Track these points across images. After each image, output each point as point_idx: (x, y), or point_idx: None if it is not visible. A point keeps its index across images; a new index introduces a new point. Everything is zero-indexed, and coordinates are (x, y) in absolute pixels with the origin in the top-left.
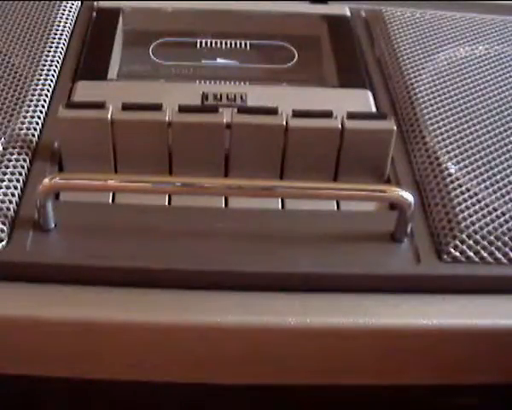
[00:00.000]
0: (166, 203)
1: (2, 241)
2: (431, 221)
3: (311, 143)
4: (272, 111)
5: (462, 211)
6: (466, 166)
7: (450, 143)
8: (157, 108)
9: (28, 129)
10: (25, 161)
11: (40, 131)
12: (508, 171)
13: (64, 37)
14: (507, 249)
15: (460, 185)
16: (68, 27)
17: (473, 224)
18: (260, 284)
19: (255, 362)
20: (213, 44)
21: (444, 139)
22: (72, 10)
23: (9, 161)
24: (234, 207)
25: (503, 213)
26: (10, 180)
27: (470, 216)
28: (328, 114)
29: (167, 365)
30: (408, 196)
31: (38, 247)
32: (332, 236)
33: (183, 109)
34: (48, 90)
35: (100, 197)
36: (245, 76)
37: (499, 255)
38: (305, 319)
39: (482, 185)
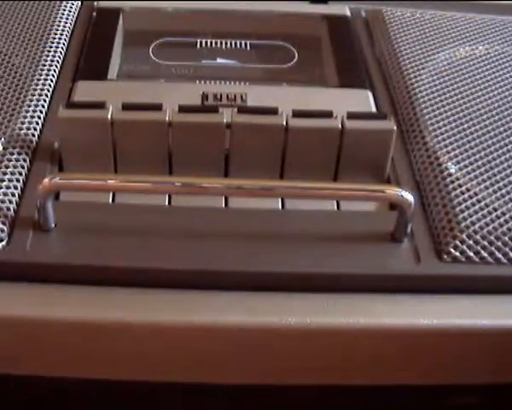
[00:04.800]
0: (166, 203)
1: (2, 241)
2: (431, 221)
3: (311, 143)
4: (272, 111)
5: (462, 211)
6: (466, 166)
7: (450, 143)
8: (157, 108)
9: (28, 129)
10: (25, 160)
11: (40, 131)
12: (508, 171)
13: (64, 37)
14: (507, 249)
15: (460, 185)
16: (68, 27)
17: (473, 224)
18: (260, 284)
19: (255, 362)
20: (213, 44)
21: (444, 139)
22: (72, 10)
23: (9, 160)
24: (234, 207)
25: (503, 213)
26: (10, 180)
27: (470, 216)
28: (328, 114)
29: (167, 365)
30: (408, 196)
31: (38, 247)
32: (332, 236)
33: (183, 109)
34: (48, 90)
35: (100, 197)
36: (245, 76)
37: (499, 255)
38: (305, 319)
39: (482, 185)
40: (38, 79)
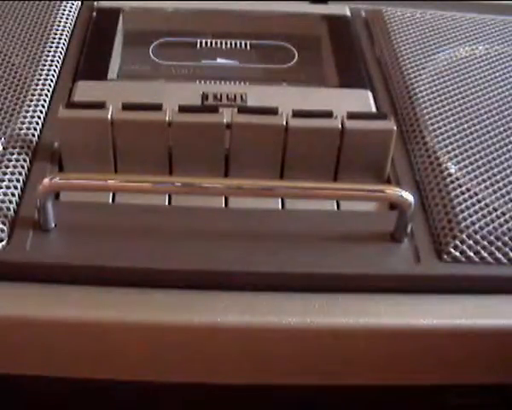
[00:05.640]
0: (166, 203)
1: (3, 241)
2: (431, 221)
3: (311, 143)
4: (272, 111)
5: (462, 211)
6: (466, 167)
7: (451, 143)
8: (157, 108)
9: (28, 129)
10: (25, 160)
11: (40, 131)
12: (508, 171)
13: (64, 37)
14: (507, 249)
15: (460, 185)
16: (68, 27)
17: (473, 224)
18: (260, 284)
19: (255, 362)
20: (213, 44)
21: (444, 139)
22: (72, 10)
23: (9, 160)
24: (234, 207)
25: (503, 213)
26: (10, 180)
27: (470, 216)
28: (328, 114)
29: (167, 365)
30: (408, 196)
31: (38, 247)
32: (332, 236)
33: (183, 109)
34: (48, 90)
35: (100, 197)
36: (245, 76)
37: (499, 255)
38: (305, 319)
39: (482, 185)
40: (38, 79)
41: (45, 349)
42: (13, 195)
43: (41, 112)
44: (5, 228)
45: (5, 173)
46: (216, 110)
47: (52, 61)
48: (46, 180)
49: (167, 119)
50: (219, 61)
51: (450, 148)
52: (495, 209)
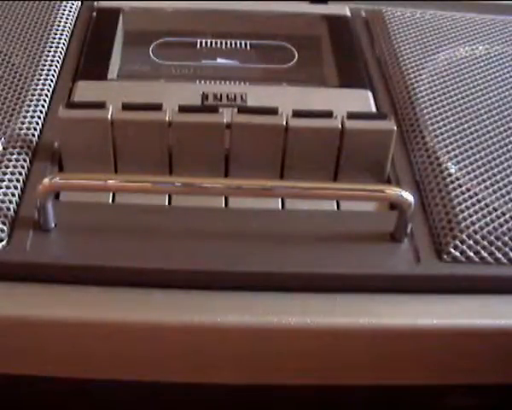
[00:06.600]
0: (166, 203)
1: (3, 241)
2: (431, 221)
3: (311, 143)
4: (272, 111)
5: (462, 211)
6: (466, 167)
7: (451, 143)
8: (157, 108)
9: (28, 129)
10: (25, 160)
11: (40, 131)
12: (508, 171)
13: (64, 37)
14: (507, 249)
15: (460, 185)
16: (68, 27)
17: (473, 224)
18: (260, 284)
19: (255, 362)
20: (213, 44)
21: (444, 139)
22: (72, 10)
23: (9, 160)
24: (234, 207)
25: (503, 213)
26: (10, 180)
27: (470, 216)
28: (328, 114)
29: (167, 365)
30: (408, 196)
31: (38, 247)
32: (332, 236)
33: (183, 109)
34: (48, 90)
35: (100, 197)
36: (245, 76)
37: (499, 255)
38: (305, 319)
39: (482, 185)
40: (38, 79)
41: (45, 349)
42: (13, 195)
43: (41, 112)
44: (5, 228)
45: (5, 173)
46: (216, 110)
47: (52, 61)
48: (46, 180)
49: (167, 119)
50: (219, 61)
51: (450, 148)
52: (495, 209)
